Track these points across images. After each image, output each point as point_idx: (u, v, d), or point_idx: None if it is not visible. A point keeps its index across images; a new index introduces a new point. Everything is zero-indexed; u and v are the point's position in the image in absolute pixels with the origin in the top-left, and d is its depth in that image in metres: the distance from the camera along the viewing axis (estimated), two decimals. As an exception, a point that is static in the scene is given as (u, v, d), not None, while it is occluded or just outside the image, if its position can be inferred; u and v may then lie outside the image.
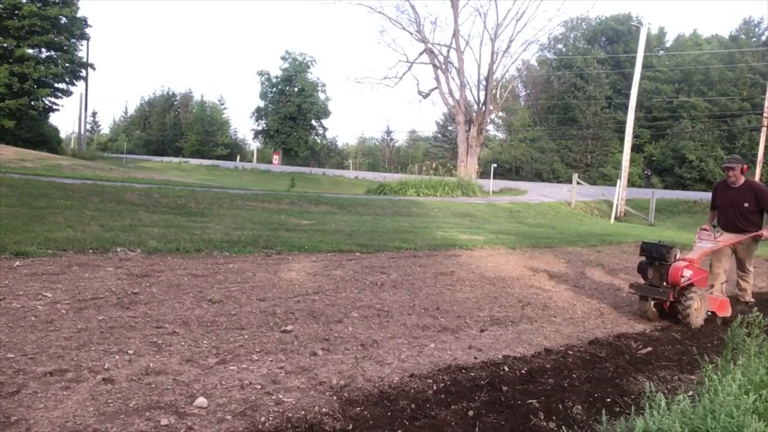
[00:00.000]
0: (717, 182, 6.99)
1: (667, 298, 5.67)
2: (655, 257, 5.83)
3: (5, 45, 32.65)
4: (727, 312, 6.10)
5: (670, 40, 55.26)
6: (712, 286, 6.31)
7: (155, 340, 3.81)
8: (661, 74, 49.64)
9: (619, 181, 22.71)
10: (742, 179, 6.43)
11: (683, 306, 5.56)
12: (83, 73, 37.30)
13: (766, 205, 6.32)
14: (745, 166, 6.47)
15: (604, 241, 11.71)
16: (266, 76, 55.63)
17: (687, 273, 5.60)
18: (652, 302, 5.90)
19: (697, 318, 5.61)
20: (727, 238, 6.34)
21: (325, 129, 59.70)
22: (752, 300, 6.61)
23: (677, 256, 5.78)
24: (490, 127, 48.58)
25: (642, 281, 5.99)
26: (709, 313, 5.87)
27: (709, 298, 5.89)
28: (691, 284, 5.65)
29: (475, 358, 4.12)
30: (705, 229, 6.39)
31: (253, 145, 62.09)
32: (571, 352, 4.40)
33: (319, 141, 60.27)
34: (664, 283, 5.72)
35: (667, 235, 13.72)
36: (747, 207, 6.30)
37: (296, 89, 54.41)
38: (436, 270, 7.28)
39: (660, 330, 5.49)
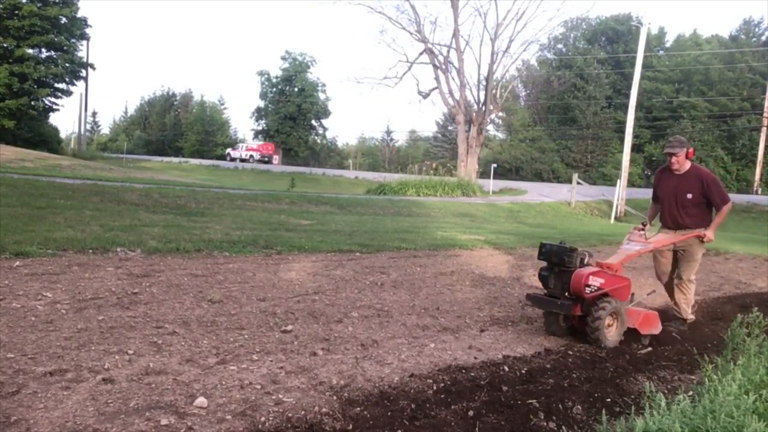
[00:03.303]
0: (659, 168, 5.71)
1: (567, 312, 4.59)
2: (555, 262, 4.67)
3: (5, 45, 32.72)
4: (655, 329, 4.93)
5: (670, 40, 55.38)
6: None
7: (155, 340, 3.81)
8: (661, 74, 49.66)
9: (619, 181, 22.71)
10: (688, 165, 5.28)
11: (591, 321, 4.48)
12: (83, 73, 37.42)
13: (715, 196, 5.19)
14: (692, 150, 5.28)
15: (603, 241, 11.69)
16: (266, 76, 55.71)
17: (595, 281, 4.51)
18: (561, 317, 4.80)
19: (609, 336, 4.56)
20: (660, 239, 5.26)
21: (325, 129, 59.91)
22: (692, 317, 5.49)
23: (585, 261, 4.68)
24: (490, 127, 48.63)
25: (543, 291, 4.90)
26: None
27: (630, 312, 4.80)
28: (604, 294, 4.55)
29: (475, 358, 4.12)
30: (638, 229, 5.21)
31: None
32: (571, 352, 4.40)
33: (319, 141, 60.32)
34: (566, 294, 4.62)
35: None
36: (690, 198, 5.20)
37: (296, 89, 54.46)
38: (436, 270, 7.28)
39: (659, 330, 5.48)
